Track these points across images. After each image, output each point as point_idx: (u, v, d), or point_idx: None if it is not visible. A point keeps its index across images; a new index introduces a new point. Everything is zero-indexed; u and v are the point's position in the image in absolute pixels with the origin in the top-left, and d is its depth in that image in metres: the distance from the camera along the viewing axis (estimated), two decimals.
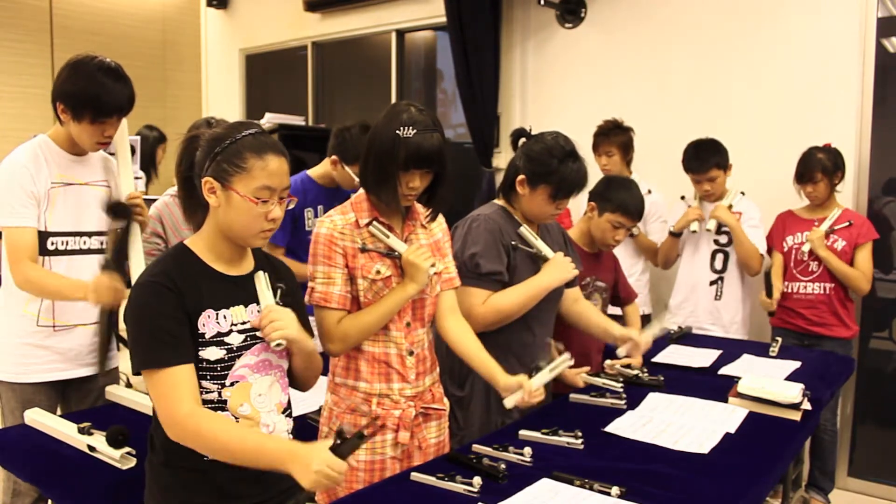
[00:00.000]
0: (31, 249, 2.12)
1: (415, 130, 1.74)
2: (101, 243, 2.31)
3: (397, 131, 1.74)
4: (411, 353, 1.88)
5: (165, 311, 1.40)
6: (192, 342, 1.43)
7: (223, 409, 1.46)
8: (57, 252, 2.20)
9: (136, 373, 1.43)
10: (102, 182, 2.33)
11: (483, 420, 2.19)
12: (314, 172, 2.97)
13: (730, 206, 3.29)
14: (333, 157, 2.87)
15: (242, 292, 1.51)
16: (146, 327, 1.40)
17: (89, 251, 2.28)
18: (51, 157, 2.19)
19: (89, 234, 2.28)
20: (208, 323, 1.45)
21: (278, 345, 1.49)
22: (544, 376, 1.84)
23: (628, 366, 2.54)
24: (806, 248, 3.15)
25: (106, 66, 2.13)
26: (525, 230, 2.17)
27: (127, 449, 1.78)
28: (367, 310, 1.81)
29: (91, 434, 1.85)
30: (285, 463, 1.32)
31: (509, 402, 1.83)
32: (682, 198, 3.49)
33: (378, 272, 1.81)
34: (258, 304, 1.53)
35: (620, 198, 2.44)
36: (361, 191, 1.87)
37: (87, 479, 1.72)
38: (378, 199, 1.82)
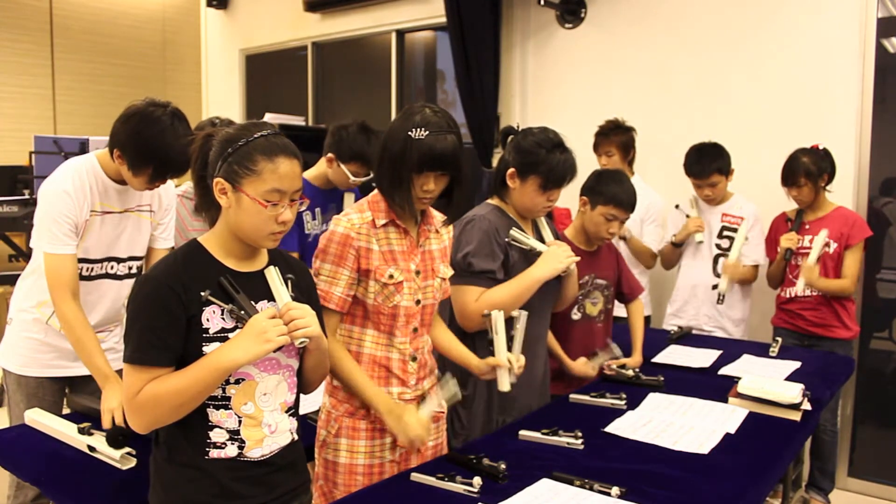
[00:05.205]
0: (73, 279, 2.09)
1: (427, 132, 1.72)
2: (130, 268, 2.29)
3: (409, 133, 1.73)
4: (414, 359, 1.88)
5: (160, 312, 1.40)
6: (195, 339, 1.42)
7: (226, 408, 1.46)
8: (79, 277, 2.17)
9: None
10: (145, 207, 2.30)
11: (485, 419, 2.20)
12: (309, 174, 2.95)
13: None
14: (329, 154, 2.87)
15: (254, 289, 1.50)
16: (138, 325, 1.41)
17: (116, 276, 2.28)
18: (95, 185, 2.14)
19: (118, 260, 2.26)
20: (213, 318, 1.44)
21: (301, 343, 1.48)
22: (502, 343, 1.91)
23: (624, 366, 2.54)
24: (799, 288, 3.14)
25: (177, 118, 2.04)
26: (515, 232, 2.17)
27: (127, 449, 1.78)
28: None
29: (91, 434, 1.85)
30: None
31: (504, 385, 1.88)
32: (677, 206, 3.47)
33: (391, 276, 1.80)
34: (269, 300, 1.51)
35: (611, 190, 2.45)
36: (376, 190, 1.86)
37: (87, 479, 1.72)
38: (393, 202, 1.80)
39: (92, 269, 2.22)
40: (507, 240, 2.16)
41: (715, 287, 3.34)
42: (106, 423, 1.95)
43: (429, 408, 1.77)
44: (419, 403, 1.87)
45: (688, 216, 3.39)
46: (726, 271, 3.23)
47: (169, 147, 2.00)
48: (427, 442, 1.68)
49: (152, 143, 1.99)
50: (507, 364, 1.88)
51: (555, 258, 2.16)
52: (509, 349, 1.92)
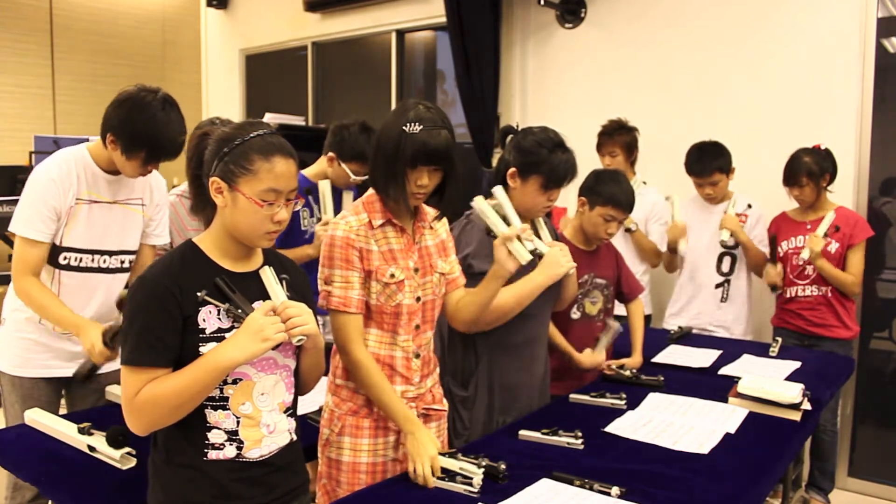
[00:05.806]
0: (36, 265, 2.13)
1: (421, 127, 1.73)
2: (122, 262, 2.30)
3: (403, 128, 1.74)
4: (418, 356, 1.88)
5: (157, 312, 1.40)
6: (192, 339, 1.42)
7: (224, 408, 1.46)
8: (69, 267, 2.20)
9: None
10: (136, 200, 2.31)
11: (486, 419, 2.19)
12: (309, 172, 2.96)
13: (738, 215, 3.29)
14: (330, 153, 2.88)
15: (249, 289, 1.50)
16: (136, 326, 1.41)
17: (108, 270, 2.28)
18: (84, 173, 2.17)
19: (109, 254, 2.27)
20: (209, 318, 1.44)
21: (299, 341, 1.48)
22: (498, 220, 1.93)
23: (622, 366, 2.54)
24: (805, 254, 3.12)
25: (168, 103, 2.08)
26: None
27: (127, 449, 1.78)
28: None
29: (91, 434, 1.85)
30: None
31: (524, 255, 1.88)
32: (667, 198, 3.44)
33: (392, 275, 1.80)
34: (265, 300, 1.50)
35: (610, 190, 2.45)
36: (371, 190, 1.86)
37: (87, 479, 1.72)
38: (387, 198, 1.81)
39: (81, 259, 2.21)
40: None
41: (718, 286, 3.34)
42: (96, 358, 2.02)
43: (449, 463, 1.71)
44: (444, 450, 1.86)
45: (674, 222, 3.35)
46: (725, 223, 3.23)
47: (160, 131, 2.05)
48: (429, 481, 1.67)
49: (144, 126, 2.04)
50: (513, 233, 1.87)
51: (556, 264, 2.16)
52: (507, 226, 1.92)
